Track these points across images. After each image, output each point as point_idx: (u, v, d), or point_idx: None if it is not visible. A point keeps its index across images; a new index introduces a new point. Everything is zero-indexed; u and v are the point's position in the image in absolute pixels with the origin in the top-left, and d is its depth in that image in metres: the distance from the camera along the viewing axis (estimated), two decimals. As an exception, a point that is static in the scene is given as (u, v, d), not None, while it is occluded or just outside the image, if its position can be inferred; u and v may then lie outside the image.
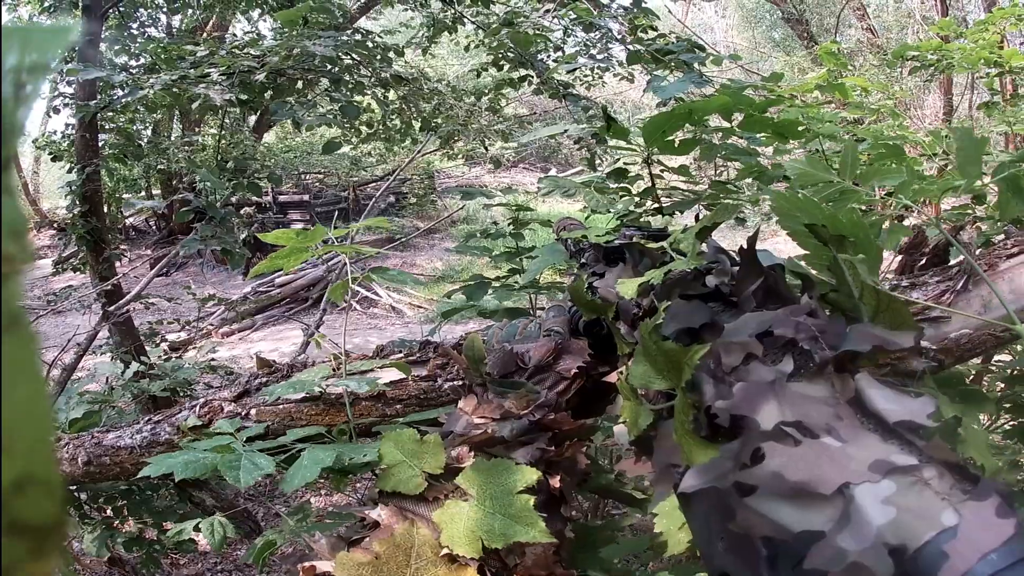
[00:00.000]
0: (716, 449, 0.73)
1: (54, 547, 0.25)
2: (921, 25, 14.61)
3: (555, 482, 1.19)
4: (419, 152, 6.37)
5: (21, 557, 0.24)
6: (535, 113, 12.82)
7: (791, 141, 2.35)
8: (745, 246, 1.03)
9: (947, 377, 1.54)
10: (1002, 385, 2.13)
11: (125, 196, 8.75)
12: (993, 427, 2.08)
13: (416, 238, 12.52)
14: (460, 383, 1.59)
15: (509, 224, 2.99)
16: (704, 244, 1.18)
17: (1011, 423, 1.88)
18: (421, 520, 1.07)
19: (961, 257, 1.78)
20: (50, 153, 6.87)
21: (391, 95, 5.36)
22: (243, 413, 1.70)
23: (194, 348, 6.11)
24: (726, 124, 2.28)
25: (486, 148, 6.26)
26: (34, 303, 10.78)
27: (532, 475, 1.10)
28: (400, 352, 1.69)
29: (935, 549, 0.54)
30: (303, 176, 14.31)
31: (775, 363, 0.78)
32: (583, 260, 1.66)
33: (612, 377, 1.19)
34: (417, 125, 5.81)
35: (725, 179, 2.90)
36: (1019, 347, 1.90)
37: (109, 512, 2.94)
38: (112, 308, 3.28)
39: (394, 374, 1.63)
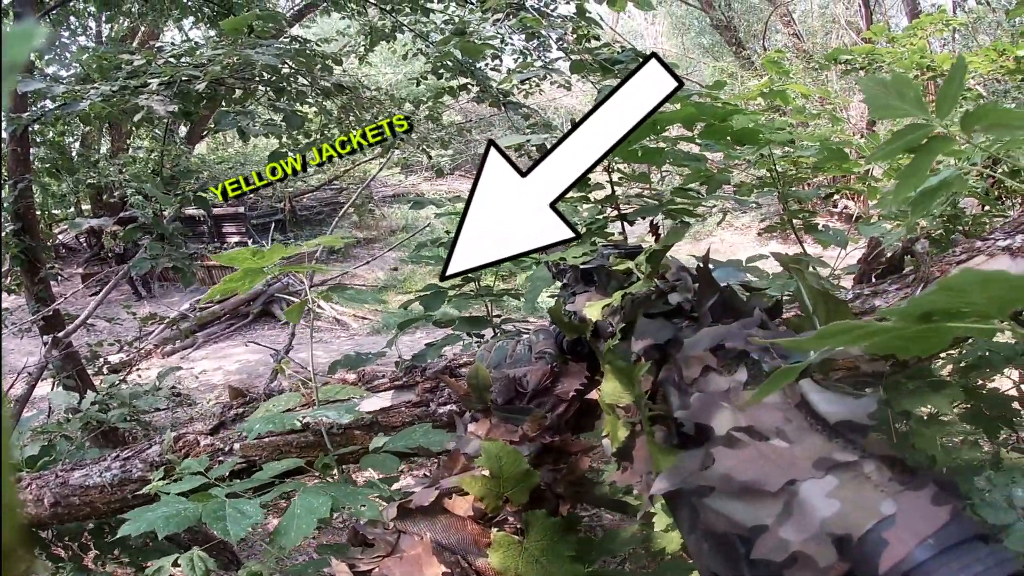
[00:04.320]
0: (675, 455, 0.80)
1: (13, 569, 0.25)
2: (846, 30, 15.03)
3: (564, 509, 1.23)
4: (386, 163, 6.32)
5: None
6: (471, 120, 12.79)
7: (741, 148, 2.42)
8: (701, 265, 1.08)
9: (917, 371, 1.60)
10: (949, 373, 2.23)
11: (56, 212, 8.44)
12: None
13: (355, 248, 12.38)
14: (455, 408, 1.57)
15: (460, 232, 2.97)
16: (669, 263, 1.20)
17: (963, 407, 1.97)
18: (447, 551, 1.07)
19: (913, 266, 1.88)
20: (-24, 169, 6.61)
21: (330, 104, 5.29)
22: (226, 448, 1.65)
23: (137, 370, 5.93)
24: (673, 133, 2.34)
25: (429, 156, 6.23)
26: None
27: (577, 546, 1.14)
28: (383, 377, 1.66)
29: (875, 536, 0.59)
30: (237, 187, 13.99)
31: (731, 373, 0.84)
32: (564, 280, 1.67)
33: (594, 394, 1.23)
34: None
35: (660, 185, 2.95)
36: (970, 341, 2.00)
37: (76, 550, 2.82)
38: (62, 335, 3.16)
39: (381, 401, 1.60)
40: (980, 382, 2.05)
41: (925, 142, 1.02)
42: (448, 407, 1.64)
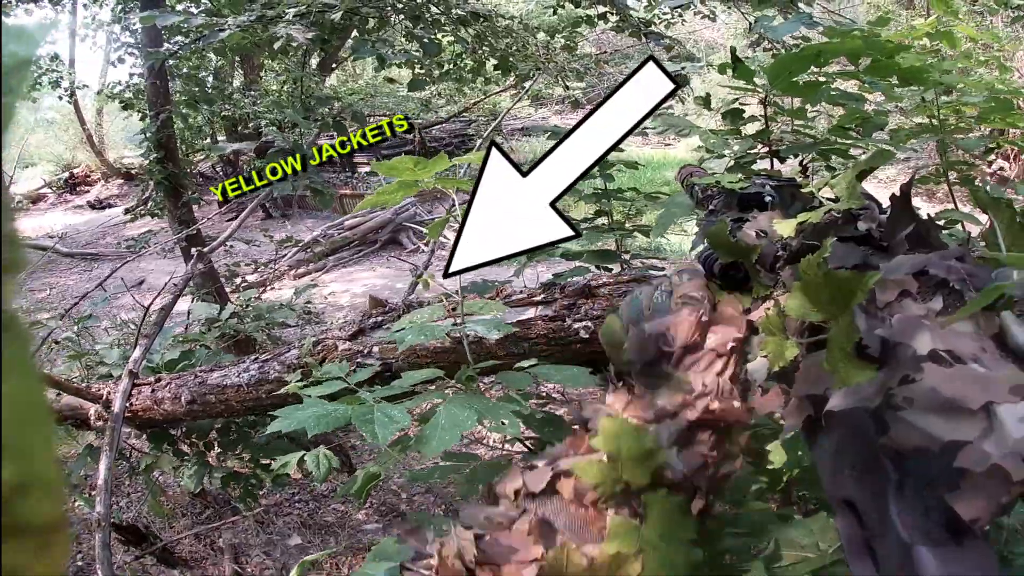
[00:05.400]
0: (874, 369, 0.78)
1: (59, 547, 0.25)
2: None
3: (697, 504, 0.99)
4: (525, 92, 6.23)
5: (28, 558, 0.24)
6: (605, 52, 12.50)
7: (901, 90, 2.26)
8: (898, 193, 1.05)
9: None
10: None
11: (196, 143, 8.79)
12: None
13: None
14: (592, 324, 1.53)
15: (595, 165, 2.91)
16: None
17: None
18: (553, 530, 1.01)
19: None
20: (120, 102, 6.92)
21: (464, 33, 5.23)
22: (364, 351, 1.67)
23: (272, 288, 6.15)
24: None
25: (566, 87, 6.10)
26: (110, 250, 11.06)
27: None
28: (522, 292, 1.63)
29: None
30: (368, 118, 14.21)
31: (926, 301, 0.85)
32: (712, 207, 1.59)
33: (753, 316, 1.16)
34: (490, 64, 5.68)
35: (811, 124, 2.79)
36: None
37: (202, 447, 2.96)
38: (206, 250, 3.28)
39: (519, 315, 1.57)
40: None
41: None
42: (584, 323, 1.60)
